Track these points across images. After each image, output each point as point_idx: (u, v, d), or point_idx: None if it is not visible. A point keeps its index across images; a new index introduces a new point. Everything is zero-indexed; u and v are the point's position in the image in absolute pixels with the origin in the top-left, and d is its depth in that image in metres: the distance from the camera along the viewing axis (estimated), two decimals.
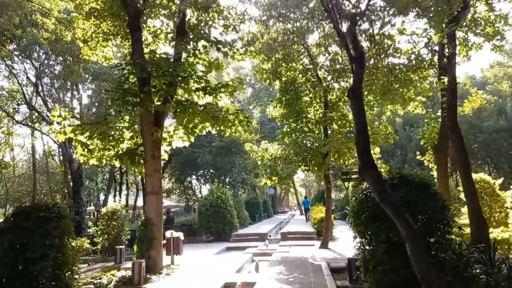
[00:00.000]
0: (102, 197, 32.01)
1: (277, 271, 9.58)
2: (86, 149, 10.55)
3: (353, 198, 6.84)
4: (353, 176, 14.18)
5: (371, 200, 6.33)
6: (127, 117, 10.98)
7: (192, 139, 11.72)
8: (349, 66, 15.40)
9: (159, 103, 10.58)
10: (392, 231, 5.87)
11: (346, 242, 15.04)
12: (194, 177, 36.35)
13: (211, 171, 32.82)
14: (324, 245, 13.76)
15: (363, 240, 6.57)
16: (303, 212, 33.90)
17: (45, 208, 6.26)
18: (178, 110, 10.17)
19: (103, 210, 15.83)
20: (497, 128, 24.56)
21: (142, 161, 10.71)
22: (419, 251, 4.35)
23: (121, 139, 10.76)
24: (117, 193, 32.43)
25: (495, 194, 14.29)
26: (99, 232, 15.43)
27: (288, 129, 16.30)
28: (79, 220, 20.40)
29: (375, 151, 15.26)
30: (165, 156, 12.02)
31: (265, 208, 35.87)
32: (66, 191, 23.05)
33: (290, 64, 16.22)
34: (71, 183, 21.73)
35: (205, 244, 17.87)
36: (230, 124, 10.65)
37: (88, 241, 14.18)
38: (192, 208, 30.31)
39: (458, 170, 10.39)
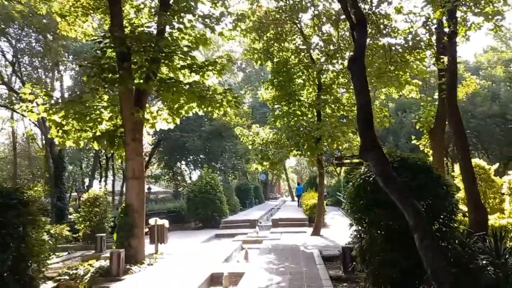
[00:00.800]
0: (87, 182, 31.06)
1: (267, 260, 9.08)
2: (60, 130, 9.74)
3: (350, 183, 6.28)
4: (346, 161, 13.67)
5: (370, 184, 5.77)
6: (105, 96, 10.16)
7: (178, 121, 10.98)
8: (342, 47, 14.82)
9: (141, 81, 9.79)
10: (393, 219, 5.35)
11: (338, 229, 14.68)
12: (184, 162, 35.60)
13: (201, 156, 32.07)
14: (316, 232, 13.33)
15: (360, 228, 6.05)
16: (295, 198, 33.75)
17: (6, 193, 5.54)
18: (161, 89, 9.37)
19: (84, 196, 15.10)
20: (490, 114, 24.28)
21: (122, 143, 9.95)
22: (429, 243, 3.78)
23: (99, 120, 9.95)
24: (103, 178, 31.48)
25: (490, 179, 13.98)
26: (80, 219, 14.75)
27: (280, 113, 15.67)
28: (61, 206, 19.67)
29: None
30: (148, 138, 11.30)
31: (256, 194, 35.48)
32: (47, 176, 22.14)
33: (282, 44, 15.47)
34: (53, 168, 20.84)
35: (193, 231, 17.34)
36: (217, 104, 9.92)
37: (68, 228, 13.48)
38: (181, 194, 29.68)
39: (457, 155, 9.91)
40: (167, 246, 11.68)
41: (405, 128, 26.78)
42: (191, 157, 32.41)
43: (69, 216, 15.10)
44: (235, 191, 27.71)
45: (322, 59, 14.67)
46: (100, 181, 32.00)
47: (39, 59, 19.00)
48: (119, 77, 9.28)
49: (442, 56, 10.45)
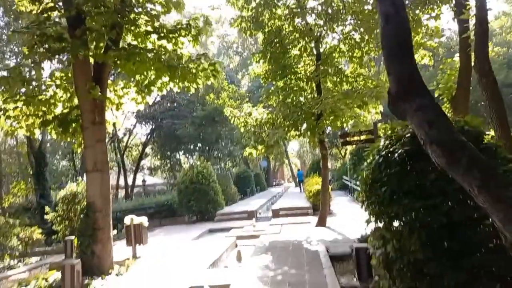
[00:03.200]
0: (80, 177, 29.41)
1: (262, 263, 7.39)
2: (3, 116, 7.97)
3: (365, 163, 4.50)
4: (353, 139, 11.83)
5: (395, 163, 4.00)
6: (57, 73, 8.36)
7: (149, 100, 9.22)
8: (343, 10, 12.84)
9: (98, 51, 7.97)
10: (434, 212, 3.60)
11: (346, 217, 12.98)
12: (181, 152, 33.93)
13: (199, 144, 30.37)
14: (321, 223, 11.61)
15: (383, 225, 4.31)
16: (298, 184, 32.22)
17: None
18: (119, 58, 7.51)
19: (61, 193, 13.43)
20: (507, 82, 22.23)
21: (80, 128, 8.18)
22: None
23: (52, 102, 8.19)
24: None
25: None
26: (58, 219, 13.12)
27: (274, 89, 13.81)
28: (44, 204, 18.08)
29: (378, 109, 12.86)
30: (117, 122, 9.55)
31: (258, 182, 33.79)
32: (31, 172, 20.55)
33: (273, 10, 13.47)
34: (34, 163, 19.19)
35: (186, 226, 15.71)
36: (192, 75, 8.08)
37: (40, 230, 11.85)
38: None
39: (493, 123, 8.05)
40: (149, 247, 10.05)
41: None
42: (189, 145, 30.70)
43: (45, 216, 13.43)
44: (234, 179, 26.02)
45: (321, 22, 12.67)
46: None
47: (5, 43, 17.12)
48: (70, 45, 7.46)
49: (467, 2, 8.49)
